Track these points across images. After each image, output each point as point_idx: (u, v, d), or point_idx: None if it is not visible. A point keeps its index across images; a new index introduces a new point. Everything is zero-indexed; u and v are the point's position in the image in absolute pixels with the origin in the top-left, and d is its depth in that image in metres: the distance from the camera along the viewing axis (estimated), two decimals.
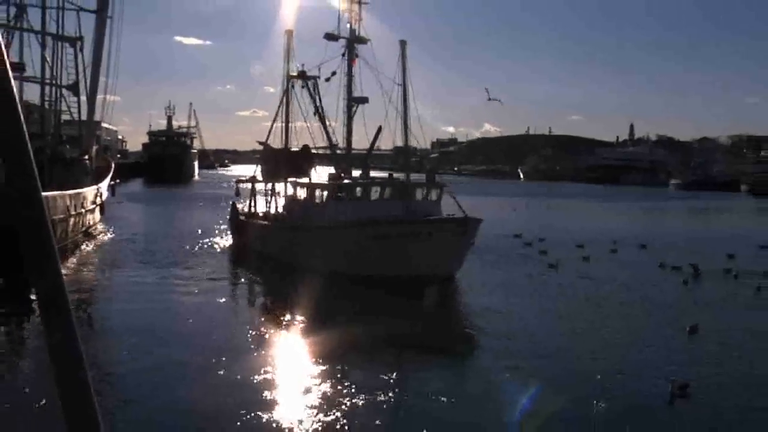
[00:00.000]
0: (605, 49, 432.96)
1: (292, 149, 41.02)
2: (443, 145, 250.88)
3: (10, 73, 2.07)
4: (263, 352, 19.56)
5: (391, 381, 17.10)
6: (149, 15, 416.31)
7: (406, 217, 30.12)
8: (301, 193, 35.52)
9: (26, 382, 15.76)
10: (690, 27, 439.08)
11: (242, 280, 32.51)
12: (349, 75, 36.20)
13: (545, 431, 13.40)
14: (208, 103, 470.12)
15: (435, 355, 19.71)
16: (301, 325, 22.13)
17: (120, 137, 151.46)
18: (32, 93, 45.51)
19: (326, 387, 15.96)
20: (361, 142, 37.77)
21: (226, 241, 41.96)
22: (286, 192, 37.46)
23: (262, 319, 24.38)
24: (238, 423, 13.58)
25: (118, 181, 61.81)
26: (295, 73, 39.94)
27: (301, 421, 13.76)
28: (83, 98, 45.55)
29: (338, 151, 38.56)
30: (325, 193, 33.42)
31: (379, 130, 36.27)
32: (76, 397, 2.10)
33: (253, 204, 42.53)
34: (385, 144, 38.33)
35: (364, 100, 36.62)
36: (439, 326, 23.13)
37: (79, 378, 2.09)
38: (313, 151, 39.84)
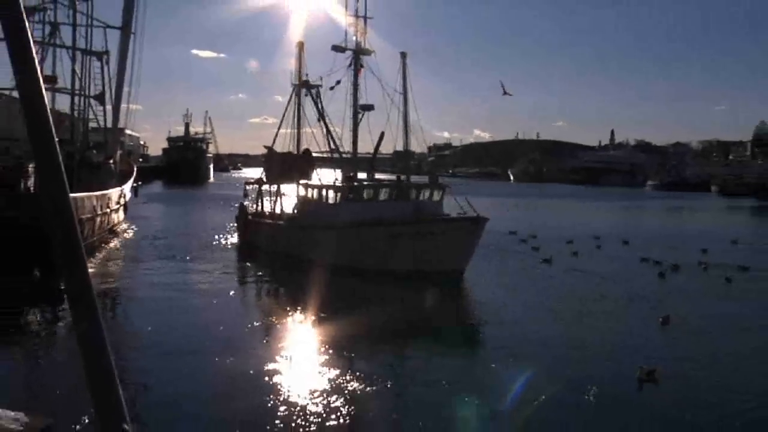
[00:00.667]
0: (588, 62, 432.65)
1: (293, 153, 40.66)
2: (439, 149, 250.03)
3: (43, 89, 2.09)
4: (276, 339, 19.58)
5: (394, 367, 17.20)
6: (168, 30, 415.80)
7: (414, 216, 30.01)
8: (314, 194, 35.09)
9: (61, 365, 15.75)
10: (665, 42, 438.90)
11: (253, 273, 32.29)
12: (355, 84, 35.86)
13: (532, 413, 13.33)
14: (222, 111, 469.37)
15: (438, 342, 19.50)
16: (312, 316, 22.01)
17: (142, 143, 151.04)
18: (63, 102, 45.96)
19: (333, 371, 15.99)
20: (364, 146, 37.56)
21: (236, 238, 41.64)
22: (297, 193, 36.93)
23: (276, 309, 24.32)
24: (250, 405, 13.58)
25: (140, 183, 61.72)
26: (297, 82, 39.80)
27: (307, 405, 13.70)
28: (108, 107, 45.90)
29: (341, 155, 38.02)
30: (339, 194, 33.10)
31: (382, 135, 36.15)
32: (101, 380, 2.11)
33: (260, 204, 41.94)
34: (386, 148, 38.20)
35: (370, 108, 36.27)
36: (443, 316, 23.01)
37: (104, 363, 2.11)
38: (315, 154, 39.61)
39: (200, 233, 43.24)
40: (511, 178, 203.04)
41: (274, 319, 22.13)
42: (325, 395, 14.29)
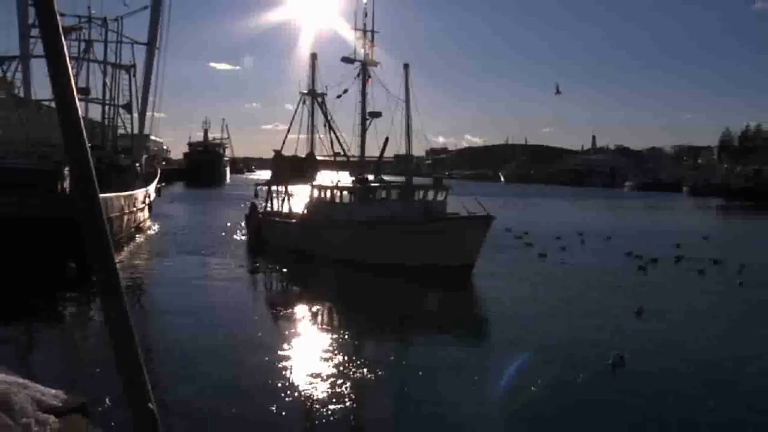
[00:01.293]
0: (572, 73, 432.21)
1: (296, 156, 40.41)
2: (435, 152, 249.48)
3: (77, 100, 2.10)
4: (290, 326, 19.57)
5: (400, 355, 17.06)
6: (188, 46, 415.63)
7: (425, 215, 29.98)
8: (328, 195, 34.61)
9: (94, 348, 15.81)
10: (642, 56, 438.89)
11: (268, 266, 31.96)
12: (363, 93, 35.52)
13: (517, 396, 13.27)
14: (237, 118, 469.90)
15: (442, 330, 19.46)
16: (325, 305, 21.95)
17: (165, 147, 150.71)
18: (95, 112, 46.17)
19: (342, 355, 16.00)
20: (368, 150, 37.36)
21: (246, 235, 41.06)
22: (311, 193, 36.36)
23: (291, 299, 24.08)
24: (263, 390, 13.59)
25: (163, 184, 61.77)
26: (306, 91, 39.40)
27: (313, 392, 13.67)
28: (135, 115, 46.18)
29: (341, 158, 37.87)
30: (354, 194, 32.83)
31: (386, 140, 35.70)
32: (128, 363, 2.13)
33: (270, 204, 41.40)
34: (388, 152, 37.80)
35: (377, 115, 35.86)
36: (449, 307, 22.85)
37: (130, 348, 2.12)
38: (319, 158, 39.41)
39: (218, 229, 43.22)
40: (502, 179, 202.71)
41: (289, 308, 21.97)
42: (330, 377, 14.30)
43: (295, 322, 20.34)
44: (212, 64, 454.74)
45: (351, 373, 14.67)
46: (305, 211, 36.73)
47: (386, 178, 36.42)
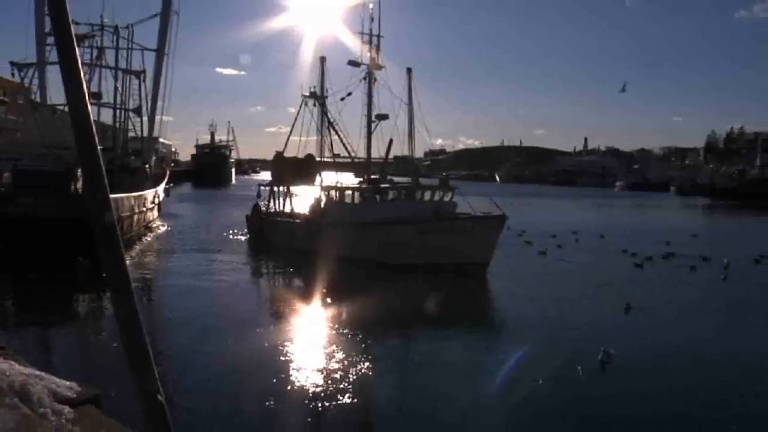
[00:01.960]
0: (566, 77, 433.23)
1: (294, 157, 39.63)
2: (434, 154, 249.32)
3: (89, 105, 2.11)
4: (299, 322, 19.49)
5: (402, 352, 17.06)
6: (195, 52, 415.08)
7: (435, 215, 29.69)
8: (338, 195, 33.96)
9: (106, 342, 15.84)
10: (632, 62, 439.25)
11: (273, 266, 31.85)
12: (369, 96, 35.05)
13: (521, 392, 13.16)
14: (242, 121, 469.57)
15: (448, 325, 19.33)
16: (334, 302, 21.76)
17: (173, 149, 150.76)
18: (106, 116, 46.21)
19: (349, 349, 15.98)
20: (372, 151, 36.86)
21: (248, 234, 40.37)
22: (322, 194, 35.67)
23: (298, 298, 23.47)
24: (270, 380, 13.57)
25: (171, 185, 61.67)
26: (308, 93, 38.67)
27: (321, 386, 13.62)
28: (145, 119, 46.19)
29: (353, 160, 37.19)
30: (366, 195, 32.41)
31: (390, 142, 35.22)
32: (137, 357, 2.14)
33: (273, 204, 40.58)
34: (361, 154, 37.21)
35: (385, 117, 35.39)
36: (456, 303, 22.64)
37: (140, 342, 2.13)
38: (319, 159, 38.97)
39: (224, 228, 43.08)
40: (497, 179, 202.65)
41: (297, 306, 21.79)
42: (338, 371, 14.27)
43: (303, 318, 20.27)
44: (218, 69, 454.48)
45: (354, 367, 14.62)
46: (311, 212, 36.14)
47: (394, 179, 36.01)
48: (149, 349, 2.17)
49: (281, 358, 15.06)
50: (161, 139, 61.63)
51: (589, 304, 22.59)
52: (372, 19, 34.28)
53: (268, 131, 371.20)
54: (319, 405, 12.25)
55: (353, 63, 35.27)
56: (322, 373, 14.01)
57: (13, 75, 41.48)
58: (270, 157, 46.67)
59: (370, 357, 15.41)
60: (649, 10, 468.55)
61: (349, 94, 35.96)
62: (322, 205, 35.30)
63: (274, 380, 13.49)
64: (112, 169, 36.41)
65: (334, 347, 16.22)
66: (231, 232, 41.30)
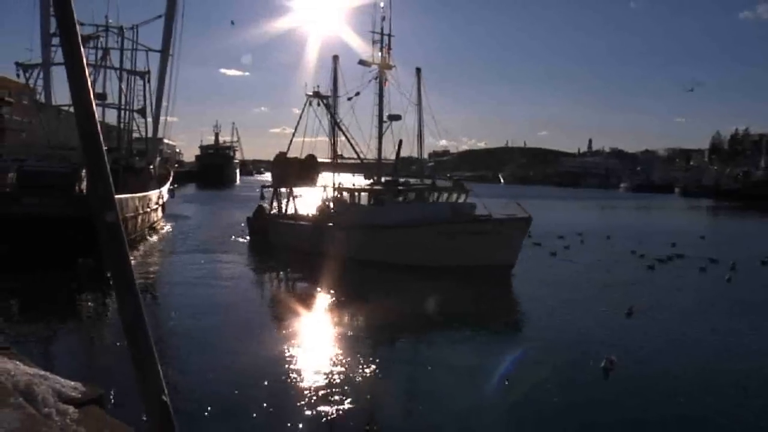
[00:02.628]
0: (570, 79, 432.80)
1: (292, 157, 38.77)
2: (438, 155, 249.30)
3: (94, 105, 2.12)
4: (312, 325, 19.42)
5: (404, 352, 17.01)
6: (200, 53, 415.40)
7: (454, 217, 29.27)
8: (354, 197, 33.42)
9: (110, 342, 15.88)
10: (637, 63, 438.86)
11: (277, 267, 31.46)
12: (380, 96, 34.58)
13: (520, 393, 13.12)
14: (246, 122, 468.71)
15: (447, 330, 18.95)
16: (353, 307, 21.43)
17: (177, 150, 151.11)
18: (111, 116, 46.39)
19: (360, 350, 16.03)
20: (374, 153, 36.48)
21: (249, 236, 39.67)
22: (335, 195, 34.93)
23: (306, 301, 22.98)
24: (276, 380, 13.57)
25: (176, 185, 61.90)
26: (311, 93, 37.80)
27: (330, 388, 13.60)
28: (149, 119, 46.16)
29: (362, 160, 36.53)
30: (386, 196, 31.74)
31: (400, 143, 34.93)
32: (142, 357, 2.14)
33: (278, 206, 39.78)
34: (393, 154, 36.89)
35: (397, 118, 34.94)
36: (473, 305, 22.31)
37: (144, 342, 2.13)
38: (330, 160, 38.34)
39: (228, 230, 43.14)
40: (502, 180, 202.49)
41: (309, 307, 21.64)
42: (347, 374, 14.21)
43: (314, 320, 20.24)
44: (222, 70, 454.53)
45: (363, 370, 14.61)
46: (319, 214, 35.36)
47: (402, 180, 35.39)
48: (154, 349, 2.18)
49: (289, 360, 15.03)
50: (165, 140, 61.66)
51: (605, 306, 22.10)
52: (383, 18, 33.91)
53: (273, 132, 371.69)
54: (325, 407, 12.19)
55: (364, 63, 34.84)
56: (329, 376, 13.95)
57: (18, 75, 41.64)
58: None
59: (378, 360, 15.36)
60: (654, 11, 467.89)
61: (357, 93, 35.68)
62: (333, 206, 34.53)
63: (280, 381, 13.48)
64: (116, 170, 36.46)
65: (346, 351, 16.09)
66: (235, 233, 41.33)
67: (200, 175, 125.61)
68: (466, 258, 26.45)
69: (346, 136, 37.05)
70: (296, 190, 39.52)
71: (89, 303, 21.38)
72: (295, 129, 39.43)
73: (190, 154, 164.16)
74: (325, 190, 37.80)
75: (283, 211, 39.33)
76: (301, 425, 11.50)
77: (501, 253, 26.94)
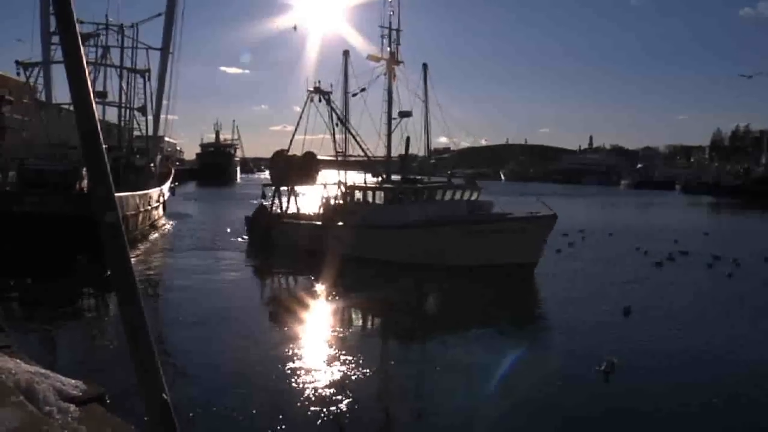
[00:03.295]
0: (570, 76, 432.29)
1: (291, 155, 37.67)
2: (438, 152, 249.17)
3: (94, 103, 2.11)
4: (319, 326, 19.32)
5: (415, 354, 16.96)
6: (200, 50, 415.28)
7: (474, 215, 29.00)
8: (362, 196, 32.88)
9: (111, 340, 15.83)
10: (637, 60, 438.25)
11: (280, 265, 30.63)
12: (390, 91, 34.01)
13: (519, 393, 13.07)
14: (247, 120, 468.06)
15: (447, 330, 18.83)
16: (347, 304, 21.42)
17: (178, 148, 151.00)
18: (112, 114, 46.42)
19: (368, 349, 16.01)
20: (380, 150, 35.80)
21: (249, 235, 38.37)
22: (347, 194, 34.13)
23: (318, 298, 22.91)
24: (281, 379, 13.56)
25: (176, 183, 61.93)
26: (312, 88, 36.49)
27: (339, 388, 13.53)
28: (150, 118, 46.15)
29: (369, 158, 35.92)
30: (404, 195, 31.08)
31: (408, 140, 34.12)
32: (142, 355, 2.14)
33: (278, 205, 38.02)
34: (382, 152, 35.60)
35: (408, 114, 34.33)
36: (495, 303, 22.12)
37: (145, 341, 2.14)
38: (321, 157, 37.56)
39: (229, 227, 43.07)
40: (502, 178, 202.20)
41: (316, 305, 21.54)
42: (354, 373, 14.14)
43: (323, 318, 20.18)
44: (223, 68, 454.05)
45: (367, 369, 14.60)
46: (325, 212, 34.50)
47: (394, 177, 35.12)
48: (154, 348, 2.18)
49: (292, 359, 14.96)
50: (166, 138, 61.66)
51: (615, 304, 21.46)
52: (392, 13, 33.50)
53: (273, 130, 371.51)
54: (326, 406, 12.14)
55: (373, 58, 34.30)
56: (333, 375, 13.92)
57: (18, 74, 41.64)
58: None
59: (378, 361, 15.42)
60: (654, 8, 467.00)
61: (363, 89, 35.26)
62: (344, 205, 33.63)
63: (283, 379, 13.45)
64: (117, 168, 36.50)
65: (352, 350, 15.92)
66: (235, 231, 41.31)
67: (201, 173, 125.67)
68: (490, 257, 26.15)
69: (351, 133, 36.44)
70: (296, 189, 38.66)
71: (90, 301, 21.40)
72: (297, 126, 38.32)
73: (190, 152, 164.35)
74: (326, 188, 37.40)
75: (285, 210, 38.07)
76: (304, 425, 11.49)
77: (526, 251, 26.68)
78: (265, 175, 50.03)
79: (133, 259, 2.05)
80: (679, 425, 12.06)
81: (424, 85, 34.48)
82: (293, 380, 13.42)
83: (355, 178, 37.23)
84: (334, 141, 37.13)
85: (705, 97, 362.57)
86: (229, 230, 41.56)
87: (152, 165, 46.29)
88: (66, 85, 1.94)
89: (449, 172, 38.86)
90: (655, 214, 73.51)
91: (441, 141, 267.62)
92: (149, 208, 40.35)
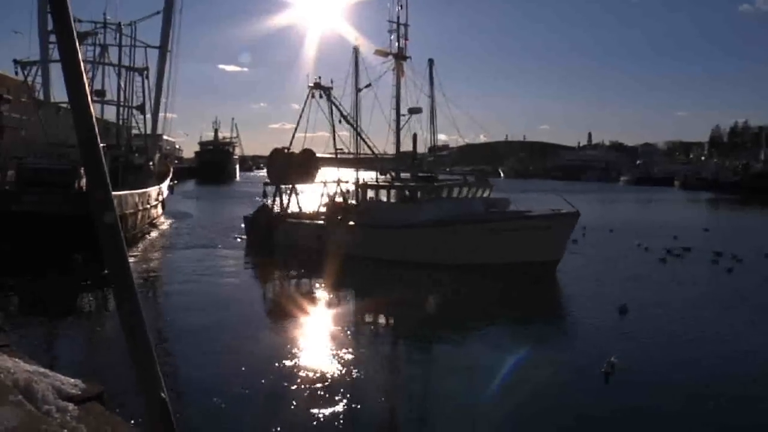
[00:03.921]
0: (569, 72, 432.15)
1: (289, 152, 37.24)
2: (438, 149, 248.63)
3: (91, 102, 2.11)
4: (326, 325, 19.42)
5: (416, 354, 16.94)
6: (198, 48, 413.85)
7: (485, 213, 28.66)
8: (374, 194, 32.36)
9: (110, 339, 15.81)
10: (636, 56, 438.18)
11: (283, 265, 30.16)
12: (398, 86, 33.68)
13: (519, 394, 12.97)
14: (246, 118, 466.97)
15: (445, 331, 18.74)
16: (347, 298, 21.70)
17: (177, 146, 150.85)
18: (110, 113, 46.37)
19: (379, 348, 15.94)
20: (383, 147, 35.72)
21: (248, 234, 37.66)
22: (356, 191, 33.87)
23: (322, 299, 22.76)
24: (284, 378, 13.58)
25: (175, 182, 61.83)
26: (312, 84, 36.18)
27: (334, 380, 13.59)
28: (148, 116, 46.26)
29: (375, 155, 35.56)
30: (420, 193, 30.60)
31: (415, 136, 34.07)
32: (141, 354, 2.14)
33: (279, 204, 37.39)
34: (391, 149, 35.54)
35: (418, 111, 33.95)
36: (514, 302, 21.99)
37: (143, 340, 2.14)
38: (320, 155, 37.35)
39: (226, 225, 42.88)
40: (502, 175, 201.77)
41: (323, 307, 21.50)
42: (360, 373, 14.17)
43: (327, 317, 20.23)
44: (221, 66, 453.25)
45: (366, 368, 14.64)
46: (329, 211, 33.95)
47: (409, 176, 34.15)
48: (152, 347, 2.18)
49: (294, 359, 14.98)
50: (165, 136, 61.68)
51: (619, 302, 21.20)
52: (401, 7, 33.24)
53: (272, 128, 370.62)
54: (328, 406, 12.13)
55: (380, 53, 33.89)
56: (335, 375, 13.92)
57: (16, 73, 41.57)
58: None
59: (379, 360, 15.43)
60: (653, 5, 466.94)
61: (368, 85, 35.07)
62: (356, 204, 33.16)
63: (283, 379, 13.46)
64: (115, 167, 36.50)
65: (362, 350, 16.00)
66: (235, 229, 41.26)
67: (200, 172, 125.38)
68: (514, 255, 25.80)
69: (356, 130, 35.97)
70: (296, 187, 38.15)
71: (89, 299, 21.41)
72: (297, 123, 37.99)
73: (189, 150, 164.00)
74: (325, 186, 37.31)
75: (287, 209, 37.41)
76: (301, 425, 11.50)
77: (550, 248, 26.47)
78: (264, 172, 49.76)
79: (131, 258, 2.05)
80: (679, 425, 12.06)
81: (429, 80, 34.08)
82: (294, 379, 13.41)
83: (357, 177, 36.94)
84: (334, 138, 37.02)
85: (704, 94, 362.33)
86: (228, 228, 41.53)
87: (151, 163, 46.31)
88: (62, 84, 1.94)
89: (447, 169, 38.63)
90: (654, 210, 73.59)
91: (440, 138, 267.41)
92: (148, 206, 40.36)
